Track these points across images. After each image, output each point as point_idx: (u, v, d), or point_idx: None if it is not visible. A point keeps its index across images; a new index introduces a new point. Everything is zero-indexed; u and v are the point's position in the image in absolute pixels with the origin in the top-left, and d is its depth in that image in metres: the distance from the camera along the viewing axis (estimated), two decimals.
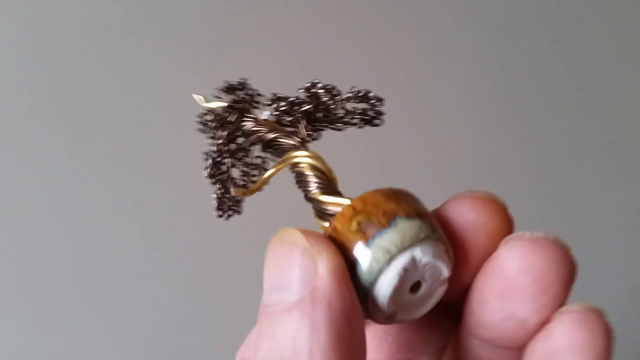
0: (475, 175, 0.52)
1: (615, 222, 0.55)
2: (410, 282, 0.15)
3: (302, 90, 0.19)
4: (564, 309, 0.15)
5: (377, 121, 0.20)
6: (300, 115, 0.19)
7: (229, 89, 0.19)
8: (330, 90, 0.18)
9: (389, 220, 0.15)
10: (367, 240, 0.15)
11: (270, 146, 0.20)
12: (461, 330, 0.18)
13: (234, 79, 0.19)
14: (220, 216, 0.18)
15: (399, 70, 0.51)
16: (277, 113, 0.19)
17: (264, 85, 0.20)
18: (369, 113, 0.20)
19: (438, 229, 0.16)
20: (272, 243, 0.15)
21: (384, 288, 0.15)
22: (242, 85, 0.19)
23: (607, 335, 0.15)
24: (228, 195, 0.18)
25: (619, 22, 0.56)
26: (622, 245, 0.55)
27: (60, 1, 0.45)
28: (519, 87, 0.54)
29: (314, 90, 0.18)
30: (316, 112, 0.19)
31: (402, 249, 0.15)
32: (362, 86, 0.19)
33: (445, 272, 0.16)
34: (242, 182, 0.19)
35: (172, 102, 0.46)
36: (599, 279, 0.51)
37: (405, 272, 0.15)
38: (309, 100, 0.19)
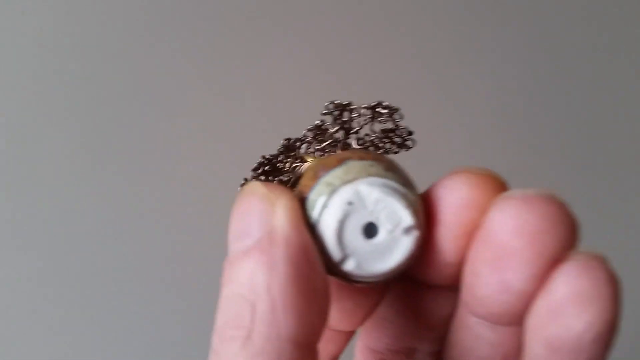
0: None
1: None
2: (360, 221, 0.15)
3: (325, 112, 0.20)
4: (563, 260, 0.13)
5: (408, 142, 0.20)
6: (332, 140, 0.20)
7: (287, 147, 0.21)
8: (346, 107, 0.19)
9: (339, 162, 0.15)
10: (315, 181, 0.15)
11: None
12: (460, 310, 0.16)
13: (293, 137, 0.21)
14: None
15: (403, 72, 0.50)
16: (309, 140, 0.20)
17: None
18: (397, 134, 0.20)
19: (398, 173, 0.15)
20: (236, 199, 0.15)
21: (328, 223, 0.15)
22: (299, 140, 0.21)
23: (612, 282, 0.13)
24: None
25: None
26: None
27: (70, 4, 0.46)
28: (526, 90, 0.52)
29: (335, 110, 0.20)
30: (349, 138, 0.20)
31: (346, 181, 0.15)
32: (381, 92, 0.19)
33: (406, 217, 0.15)
34: None
35: (175, 108, 0.47)
36: None
37: (350, 205, 0.14)
38: (334, 123, 0.20)
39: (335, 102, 0.20)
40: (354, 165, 0.15)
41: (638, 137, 0.53)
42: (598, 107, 0.53)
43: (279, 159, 0.21)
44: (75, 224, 0.47)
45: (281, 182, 0.21)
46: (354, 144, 0.21)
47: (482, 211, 0.15)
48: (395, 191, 0.15)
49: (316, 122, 0.20)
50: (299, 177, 0.20)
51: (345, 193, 0.15)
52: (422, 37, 0.51)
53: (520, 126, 0.52)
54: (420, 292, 0.18)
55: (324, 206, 0.15)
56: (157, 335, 0.48)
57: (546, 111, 0.52)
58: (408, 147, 0.20)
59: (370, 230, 0.15)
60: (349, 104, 0.20)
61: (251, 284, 0.13)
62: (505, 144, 0.52)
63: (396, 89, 0.50)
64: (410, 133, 0.20)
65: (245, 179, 0.20)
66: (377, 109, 0.19)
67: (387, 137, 0.20)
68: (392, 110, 0.19)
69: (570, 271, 0.13)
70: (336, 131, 0.20)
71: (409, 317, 0.18)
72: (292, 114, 0.46)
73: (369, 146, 0.21)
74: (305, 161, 0.21)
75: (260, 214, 0.14)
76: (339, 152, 0.17)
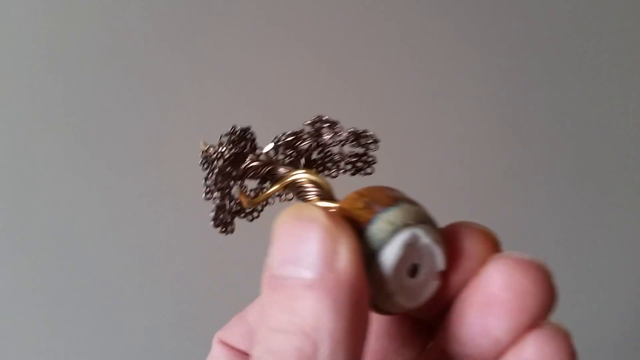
0: (480, 188, 0.55)
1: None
2: (409, 262, 0.16)
3: (308, 123, 0.20)
4: (537, 326, 0.16)
5: (368, 169, 0.21)
6: (300, 151, 0.20)
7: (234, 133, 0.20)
8: (332, 125, 0.20)
9: (394, 201, 0.16)
10: (373, 214, 0.16)
11: (268, 178, 0.20)
12: (435, 346, 0.18)
13: (240, 125, 0.20)
14: (216, 226, 0.19)
15: (403, 78, 0.53)
16: (279, 144, 0.20)
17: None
18: (362, 160, 0.21)
19: (436, 222, 0.17)
20: (288, 216, 0.15)
21: (388, 259, 0.16)
22: (244, 131, 0.20)
23: (572, 355, 0.16)
24: (226, 209, 0.19)
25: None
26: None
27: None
28: (525, 95, 0.57)
29: (318, 124, 0.20)
30: (315, 151, 0.21)
31: (406, 224, 0.16)
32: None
33: (440, 262, 0.16)
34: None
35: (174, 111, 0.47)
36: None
37: (409, 247, 0.16)
38: (311, 136, 0.20)
39: (323, 117, 0.20)
40: (409, 209, 0.16)
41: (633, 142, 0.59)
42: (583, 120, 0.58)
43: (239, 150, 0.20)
44: (71, 225, 0.46)
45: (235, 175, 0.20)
46: (316, 157, 0.21)
47: (479, 262, 0.17)
48: (438, 241, 0.16)
49: (295, 130, 0.20)
50: (277, 181, 0.20)
51: (406, 235, 0.16)
52: (418, 40, 0.53)
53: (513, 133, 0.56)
54: (402, 320, 0.19)
55: (386, 242, 0.15)
56: (153, 335, 0.48)
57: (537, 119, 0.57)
58: (366, 174, 0.21)
59: (412, 270, 0.16)
60: (335, 123, 0.20)
61: (315, 323, 0.14)
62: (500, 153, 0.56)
63: (380, 91, 0.51)
64: (374, 162, 0.21)
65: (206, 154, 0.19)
66: (361, 135, 0.20)
67: (350, 160, 0.21)
68: (374, 140, 0.20)
69: (540, 337, 0.16)
70: (307, 142, 0.20)
71: (386, 340, 0.19)
72: (285, 111, 0.47)
73: (327, 162, 0.21)
74: (273, 167, 0.20)
75: (323, 248, 0.14)
76: (378, 187, 0.17)
